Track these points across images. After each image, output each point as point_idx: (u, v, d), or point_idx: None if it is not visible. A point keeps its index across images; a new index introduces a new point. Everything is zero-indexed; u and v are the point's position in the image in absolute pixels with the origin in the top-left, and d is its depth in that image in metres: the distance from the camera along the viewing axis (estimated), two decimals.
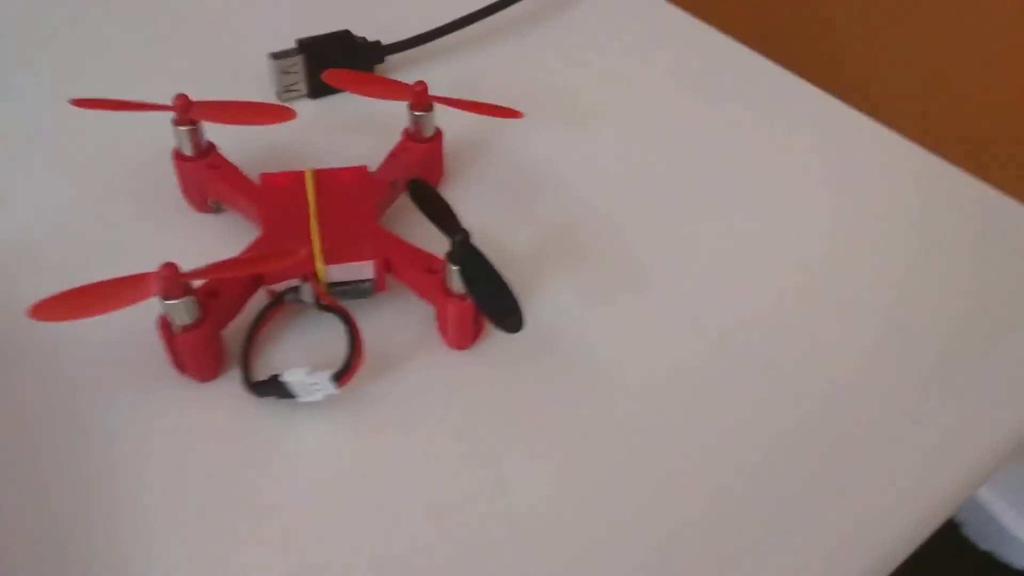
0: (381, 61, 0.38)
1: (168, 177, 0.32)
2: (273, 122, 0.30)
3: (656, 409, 0.27)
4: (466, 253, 0.25)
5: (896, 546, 0.24)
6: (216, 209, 0.32)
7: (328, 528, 0.24)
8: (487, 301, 0.24)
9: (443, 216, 0.27)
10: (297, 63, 0.36)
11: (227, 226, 0.31)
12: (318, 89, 0.36)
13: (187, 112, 0.29)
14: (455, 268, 0.25)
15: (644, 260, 0.31)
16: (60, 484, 0.24)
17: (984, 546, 0.76)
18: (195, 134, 0.30)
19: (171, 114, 0.29)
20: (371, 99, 0.32)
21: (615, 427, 0.26)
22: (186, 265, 0.24)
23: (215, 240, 0.31)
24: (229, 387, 0.26)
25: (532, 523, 0.24)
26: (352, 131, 0.35)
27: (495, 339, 0.28)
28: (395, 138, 0.32)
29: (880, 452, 0.26)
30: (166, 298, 0.24)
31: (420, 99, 0.31)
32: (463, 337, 0.27)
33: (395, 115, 0.33)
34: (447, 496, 0.24)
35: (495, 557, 0.23)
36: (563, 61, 0.40)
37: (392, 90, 0.31)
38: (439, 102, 0.31)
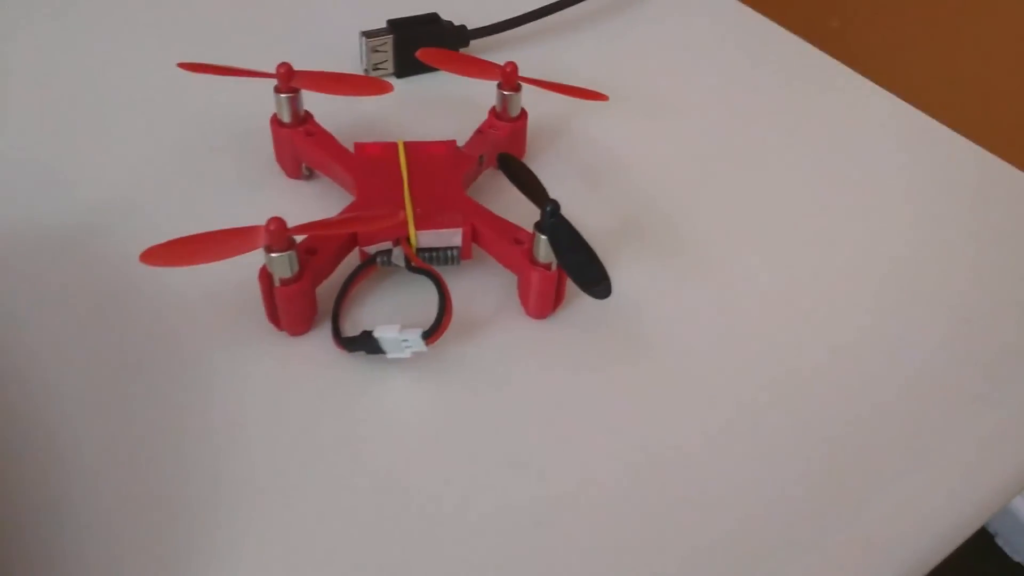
0: (466, 44, 0.39)
1: (262, 143, 0.34)
2: (370, 94, 0.31)
3: (717, 396, 0.27)
4: (556, 222, 0.26)
5: (928, 553, 0.24)
6: (307, 175, 0.33)
7: (412, 478, 0.25)
8: (577, 268, 0.25)
9: (532, 187, 0.28)
10: (387, 42, 0.37)
11: (317, 192, 0.32)
12: (404, 68, 0.38)
13: (289, 80, 0.30)
14: (544, 237, 0.26)
15: (710, 247, 0.32)
16: (161, 427, 0.25)
17: (1017, 557, 0.76)
18: (294, 102, 0.31)
19: (269, 82, 0.31)
20: (452, 80, 0.34)
21: (678, 405, 0.27)
22: None
23: (305, 204, 0.32)
24: (320, 341, 0.28)
25: (592, 488, 0.25)
26: (435, 108, 0.37)
27: (571, 311, 0.29)
28: (474, 117, 0.33)
29: (916, 460, 0.26)
30: (271, 251, 0.25)
31: (510, 79, 0.32)
32: (544, 306, 0.28)
33: (474, 95, 0.34)
34: (524, 454, 0.25)
35: (567, 518, 0.24)
36: (637, 53, 0.41)
37: (484, 70, 0.32)
38: (528, 83, 0.32)
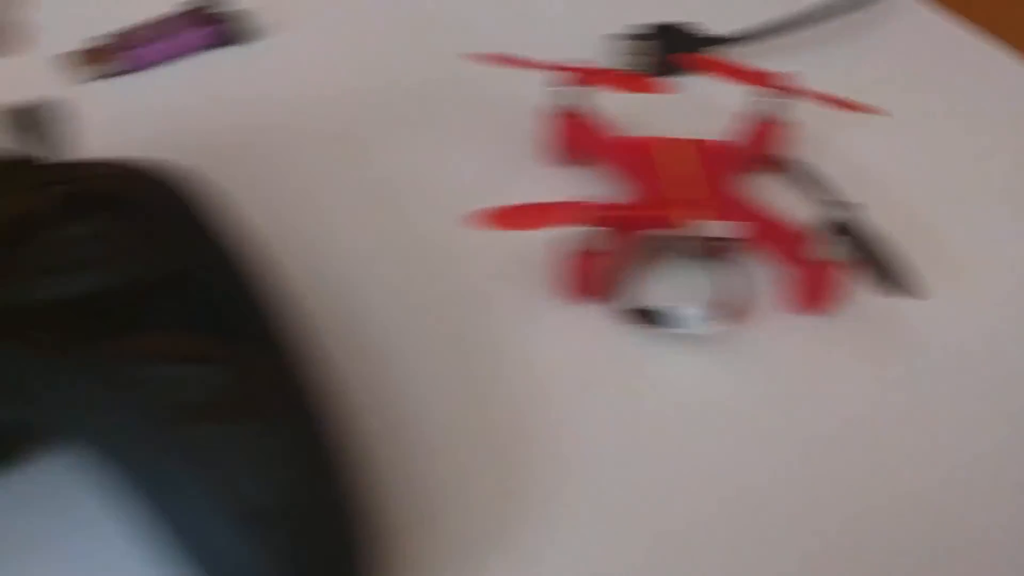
0: (715, 51, 0.42)
1: (527, 129, 0.37)
2: (652, 92, 0.34)
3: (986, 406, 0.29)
4: (853, 223, 0.28)
5: None
6: (573, 163, 0.36)
7: (699, 450, 0.27)
8: (881, 267, 0.27)
9: (822, 190, 0.30)
10: (652, 45, 0.40)
11: (584, 177, 0.35)
12: (664, 70, 0.41)
13: (579, 75, 0.33)
14: (838, 237, 0.28)
15: (974, 253, 0.33)
16: (477, 369, 0.29)
17: None
18: (582, 95, 0.34)
19: (544, 74, 0.34)
20: (705, 84, 0.36)
21: (944, 411, 0.29)
22: None
23: (575, 188, 0.35)
24: (610, 312, 0.30)
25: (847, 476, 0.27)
26: (694, 109, 0.39)
27: (844, 309, 0.31)
28: (726, 120, 0.35)
29: None
30: (589, 225, 0.28)
31: (784, 88, 0.34)
32: (821, 302, 0.31)
33: (726, 99, 0.36)
34: (800, 440, 0.28)
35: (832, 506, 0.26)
36: (871, 74, 0.43)
37: (759, 78, 0.35)
38: (800, 94, 0.34)
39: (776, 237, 0.31)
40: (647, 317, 0.29)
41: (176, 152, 0.34)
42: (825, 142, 0.38)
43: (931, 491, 0.26)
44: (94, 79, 0.38)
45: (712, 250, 0.31)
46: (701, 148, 0.33)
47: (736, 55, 0.42)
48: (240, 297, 0.22)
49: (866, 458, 0.27)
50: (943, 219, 0.35)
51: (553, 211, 0.28)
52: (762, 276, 0.32)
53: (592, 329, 0.30)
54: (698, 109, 0.39)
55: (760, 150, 0.34)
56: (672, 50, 0.40)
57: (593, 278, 0.30)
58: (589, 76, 0.33)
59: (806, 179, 0.31)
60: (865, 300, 0.31)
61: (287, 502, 0.20)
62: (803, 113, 0.38)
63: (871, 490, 0.26)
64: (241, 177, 0.34)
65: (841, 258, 0.29)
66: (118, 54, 0.38)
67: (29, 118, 0.21)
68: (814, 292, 0.30)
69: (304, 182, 0.34)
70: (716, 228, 0.31)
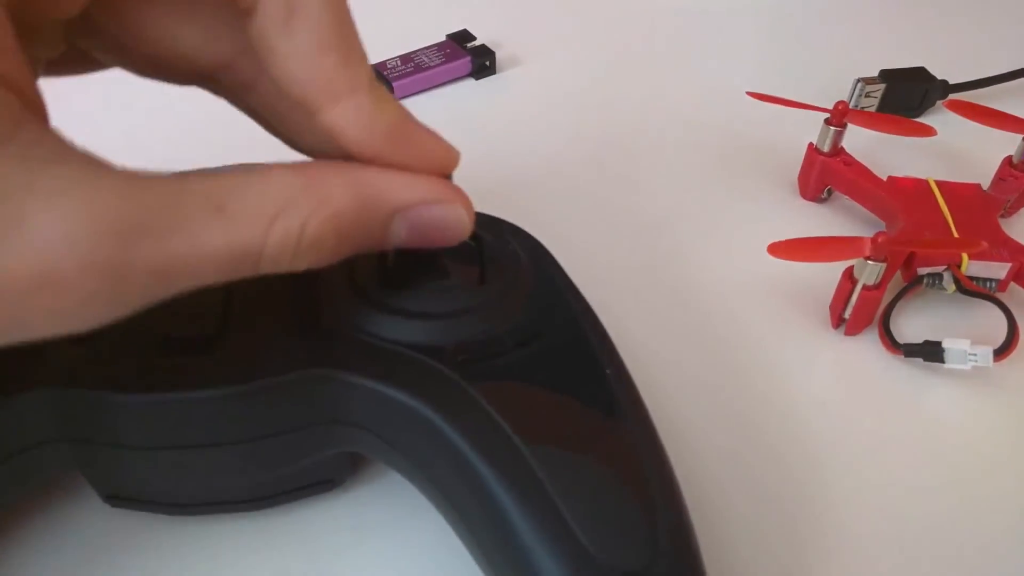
0: (944, 98, 0.43)
1: (782, 166, 0.38)
2: (916, 135, 0.35)
3: None
4: None
5: None
6: (823, 199, 0.37)
7: (971, 484, 0.28)
8: None
9: None
10: (879, 89, 0.41)
11: (831, 214, 0.37)
12: (916, 112, 0.42)
13: (843, 116, 0.35)
14: None
15: None
16: (740, 399, 0.30)
17: None
18: (840, 135, 0.36)
19: (804, 112, 0.35)
20: (960, 127, 0.37)
21: None
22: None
23: (821, 224, 0.36)
24: (871, 344, 0.32)
25: None
26: (949, 152, 0.40)
27: None
28: (961, 162, 0.36)
29: None
30: (870, 259, 0.30)
31: None
32: None
33: (981, 144, 0.37)
34: None
35: None
36: None
37: (1012, 123, 0.35)
38: None
39: None
40: (919, 351, 0.30)
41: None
42: None
43: None
44: None
45: (979, 288, 0.32)
46: (962, 190, 0.34)
47: (980, 99, 0.43)
48: (593, 357, 0.23)
49: None
50: None
51: (836, 245, 0.30)
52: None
53: (865, 363, 0.31)
54: (951, 152, 0.40)
55: (1011, 192, 0.35)
56: (907, 95, 0.41)
57: (867, 311, 0.31)
58: (851, 117, 0.35)
59: None
60: None
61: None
62: None
63: None
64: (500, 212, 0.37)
65: None
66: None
67: None
68: None
69: (563, 217, 0.37)
70: (983, 267, 0.32)
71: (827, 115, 0.35)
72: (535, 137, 0.40)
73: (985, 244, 0.31)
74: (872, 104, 0.42)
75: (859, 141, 0.39)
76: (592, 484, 0.20)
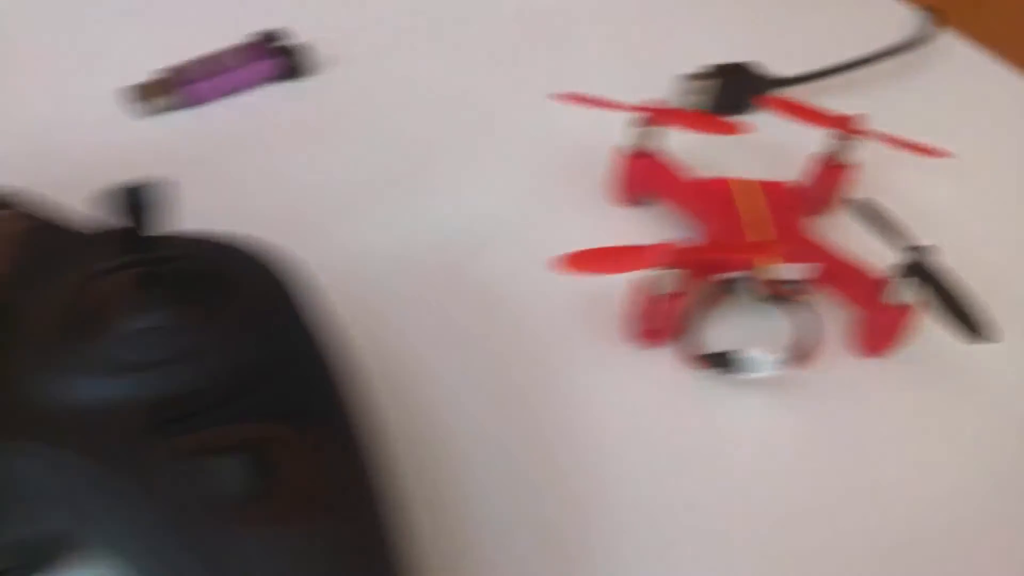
0: (779, 92, 0.42)
1: (593, 170, 0.37)
2: (729, 134, 0.34)
3: None
4: (926, 267, 0.28)
5: None
6: (638, 204, 0.36)
7: (766, 493, 0.27)
8: (958, 312, 0.27)
9: (894, 231, 0.30)
10: (711, 85, 0.40)
11: (649, 219, 0.35)
12: (720, 109, 0.41)
13: (655, 116, 0.33)
14: (911, 280, 0.28)
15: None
16: (534, 422, 0.28)
17: None
18: (655, 136, 0.34)
19: (617, 114, 0.34)
20: (776, 124, 0.36)
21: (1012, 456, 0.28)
22: None
23: (640, 229, 0.35)
24: (673, 356, 0.30)
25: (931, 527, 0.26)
26: (753, 149, 0.39)
27: (908, 351, 0.31)
28: (787, 159, 0.35)
29: None
30: (663, 268, 0.28)
31: (852, 130, 0.34)
32: (888, 344, 0.30)
33: (796, 140, 0.36)
34: (872, 485, 0.27)
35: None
36: (918, 115, 0.43)
37: (825, 119, 0.34)
38: (868, 136, 0.34)
39: (845, 279, 0.31)
40: (716, 361, 0.29)
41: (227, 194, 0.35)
42: (888, 183, 0.38)
43: (989, 525, 0.26)
44: (151, 114, 0.38)
45: (781, 292, 0.31)
46: (770, 189, 0.33)
47: (799, 95, 0.42)
48: (321, 388, 0.21)
49: (937, 503, 0.27)
50: (1007, 260, 0.35)
51: (628, 255, 0.28)
52: (831, 318, 0.32)
53: (661, 374, 0.30)
54: (767, 149, 0.39)
55: (829, 191, 0.34)
56: (739, 90, 0.40)
57: (663, 322, 0.30)
58: (661, 116, 0.33)
59: (876, 220, 0.30)
60: (935, 342, 0.31)
61: None
62: (865, 154, 0.38)
63: (938, 531, 0.26)
64: (297, 222, 0.34)
65: (912, 300, 0.29)
66: (176, 89, 0.38)
67: (129, 198, 0.19)
68: (883, 334, 0.30)
69: (362, 225, 0.34)
70: (786, 270, 0.31)
71: (643, 115, 0.34)
72: (340, 144, 0.38)
73: (779, 248, 0.30)
74: (700, 101, 0.41)
75: (685, 142, 0.38)
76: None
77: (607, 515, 0.26)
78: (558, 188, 0.37)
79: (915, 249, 0.28)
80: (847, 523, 0.26)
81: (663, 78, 0.42)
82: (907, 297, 0.29)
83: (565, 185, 0.37)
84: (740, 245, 0.30)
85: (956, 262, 0.32)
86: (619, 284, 0.31)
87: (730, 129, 0.34)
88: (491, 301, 0.32)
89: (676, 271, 0.28)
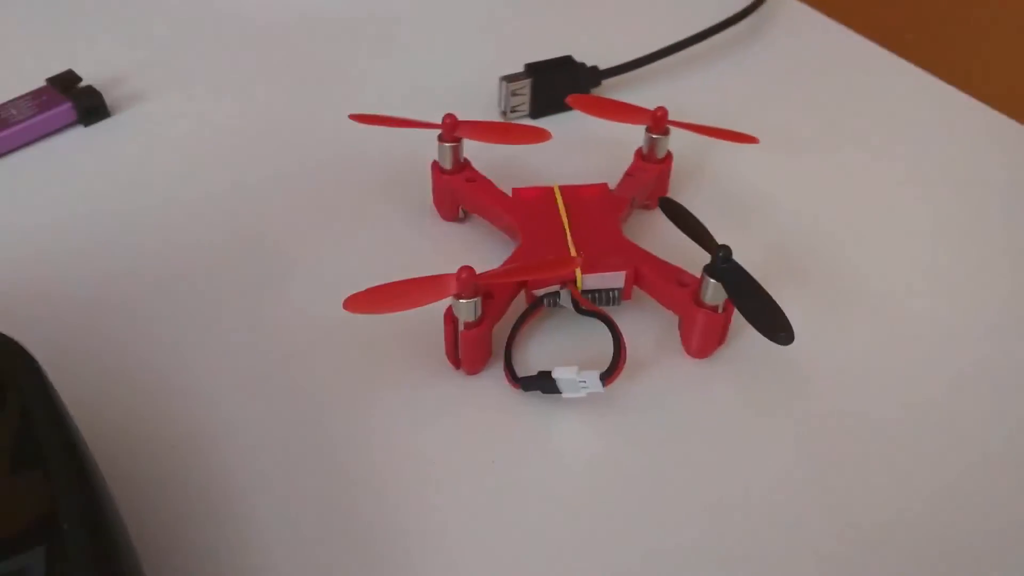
0: (598, 84, 0.41)
1: (416, 187, 0.35)
2: (531, 142, 0.33)
3: (885, 433, 0.28)
4: (732, 268, 0.27)
5: None
6: (462, 218, 0.35)
7: (588, 514, 0.26)
8: (759, 314, 0.26)
9: (698, 232, 0.29)
10: (525, 86, 0.39)
11: (472, 233, 0.34)
12: (540, 110, 0.39)
13: (453, 131, 0.32)
14: (715, 281, 0.28)
15: (861, 281, 0.33)
16: (343, 456, 0.27)
17: None
18: (456, 151, 0.33)
19: (427, 131, 0.32)
20: (585, 121, 0.35)
21: (845, 443, 0.28)
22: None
23: (463, 245, 0.34)
24: (493, 380, 0.29)
25: (761, 522, 0.26)
26: (573, 149, 0.38)
27: (731, 350, 0.30)
28: (611, 155, 0.34)
29: None
30: (460, 297, 0.27)
31: (660, 123, 0.33)
32: (707, 347, 0.30)
33: (607, 134, 0.35)
34: (698, 493, 0.26)
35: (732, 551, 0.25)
36: (760, 84, 0.42)
37: (633, 114, 0.34)
38: (677, 126, 0.33)
39: (661, 283, 0.30)
40: (538, 384, 0.28)
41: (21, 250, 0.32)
42: (705, 172, 0.37)
43: (824, 536, 0.25)
44: None
45: (591, 305, 0.30)
46: (584, 192, 0.32)
47: (618, 86, 0.41)
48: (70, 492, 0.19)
49: (763, 502, 0.26)
50: (826, 245, 0.34)
51: (411, 290, 0.27)
52: (655, 322, 0.31)
53: (488, 402, 0.29)
54: (579, 150, 0.38)
55: (640, 189, 0.33)
56: (556, 88, 0.39)
57: (479, 349, 0.29)
58: (456, 130, 0.32)
59: (680, 220, 0.30)
60: (750, 342, 0.30)
61: None
62: (680, 143, 0.37)
63: (768, 531, 0.25)
64: (90, 288, 0.32)
65: (722, 301, 0.28)
66: None
67: None
68: (702, 336, 0.29)
69: (171, 267, 0.32)
70: (599, 279, 0.30)
71: (444, 131, 0.33)
72: (143, 185, 0.36)
73: (578, 261, 0.29)
74: (522, 102, 0.39)
75: (495, 151, 0.36)
76: None
77: (435, 550, 0.25)
78: (385, 209, 0.35)
79: (719, 249, 0.27)
80: (688, 531, 0.25)
81: (481, 83, 0.41)
82: (715, 298, 0.28)
83: (393, 205, 0.35)
84: (539, 263, 0.29)
85: (791, 243, 0.32)
86: (432, 314, 0.30)
87: (537, 136, 0.33)
88: (301, 328, 0.30)
89: (475, 298, 0.27)
